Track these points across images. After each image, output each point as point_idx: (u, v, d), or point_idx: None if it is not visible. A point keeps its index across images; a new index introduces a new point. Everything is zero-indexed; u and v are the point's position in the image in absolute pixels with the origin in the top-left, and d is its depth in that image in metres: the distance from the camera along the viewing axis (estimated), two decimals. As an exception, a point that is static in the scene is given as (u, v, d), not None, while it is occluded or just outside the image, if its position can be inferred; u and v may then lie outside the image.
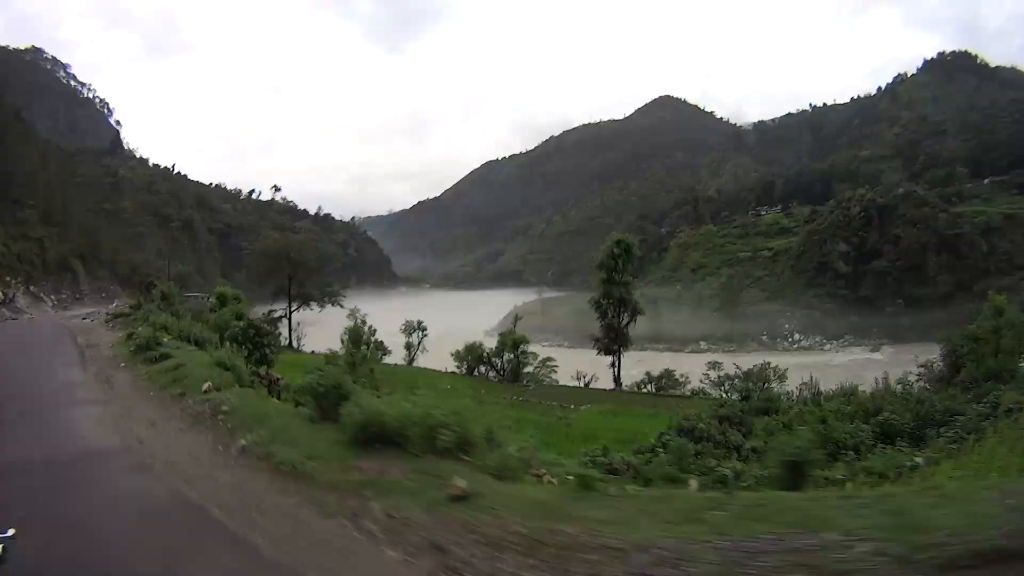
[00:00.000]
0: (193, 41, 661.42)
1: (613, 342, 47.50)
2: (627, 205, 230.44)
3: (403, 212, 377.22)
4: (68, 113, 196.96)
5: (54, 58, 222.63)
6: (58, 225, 76.55)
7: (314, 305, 61.18)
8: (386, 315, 55.39)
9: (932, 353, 27.88)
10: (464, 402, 7.39)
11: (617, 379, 46.72)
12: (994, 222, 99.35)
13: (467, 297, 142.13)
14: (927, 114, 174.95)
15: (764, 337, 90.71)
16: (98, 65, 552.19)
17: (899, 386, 22.41)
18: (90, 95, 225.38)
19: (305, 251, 63.25)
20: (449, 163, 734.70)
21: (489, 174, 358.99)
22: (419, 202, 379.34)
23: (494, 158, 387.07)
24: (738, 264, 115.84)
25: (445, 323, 66.58)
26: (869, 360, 65.79)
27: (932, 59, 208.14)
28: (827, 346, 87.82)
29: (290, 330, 58.45)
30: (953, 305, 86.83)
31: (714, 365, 40.20)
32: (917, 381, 24.62)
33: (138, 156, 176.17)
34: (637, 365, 53.19)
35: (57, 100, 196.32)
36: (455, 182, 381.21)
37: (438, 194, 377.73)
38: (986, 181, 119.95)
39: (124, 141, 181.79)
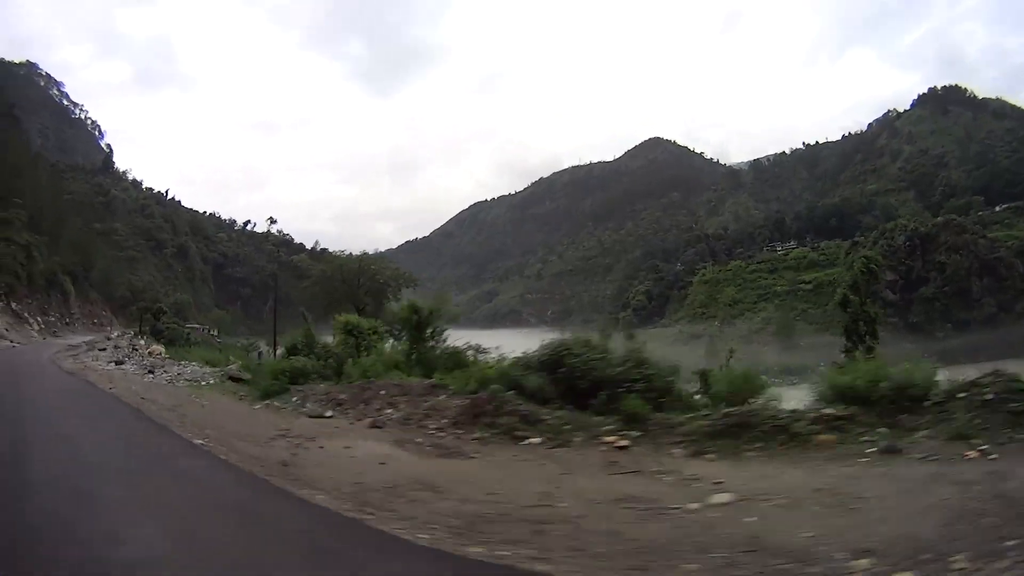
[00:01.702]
0: (185, 72, 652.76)
1: None
2: (625, 244, 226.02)
3: (389, 251, 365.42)
4: (59, 131, 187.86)
5: (48, 75, 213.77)
6: (48, 234, 65.34)
7: None
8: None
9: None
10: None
11: None
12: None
13: (474, 336, 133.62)
14: (927, 147, 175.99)
15: (823, 367, 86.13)
16: (90, 88, 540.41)
17: None
18: (82, 115, 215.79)
19: (382, 274, 49.40)
20: (435, 204, 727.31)
21: (478, 215, 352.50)
22: (406, 241, 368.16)
23: (482, 199, 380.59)
24: (776, 298, 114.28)
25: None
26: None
27: (924, 94, 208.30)
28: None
29: None
30: (997, 326, 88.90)
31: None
32: None
33: (131, 178, 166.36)
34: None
35: (49, 117, 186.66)
36: (443, 223, 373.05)
37: (426, 234, 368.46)
38: (997, 208, 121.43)
39: (115, 164, 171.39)
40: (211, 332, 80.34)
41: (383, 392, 12.61)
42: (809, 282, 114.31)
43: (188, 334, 61.73)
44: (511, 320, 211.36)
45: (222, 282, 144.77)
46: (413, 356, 17.41)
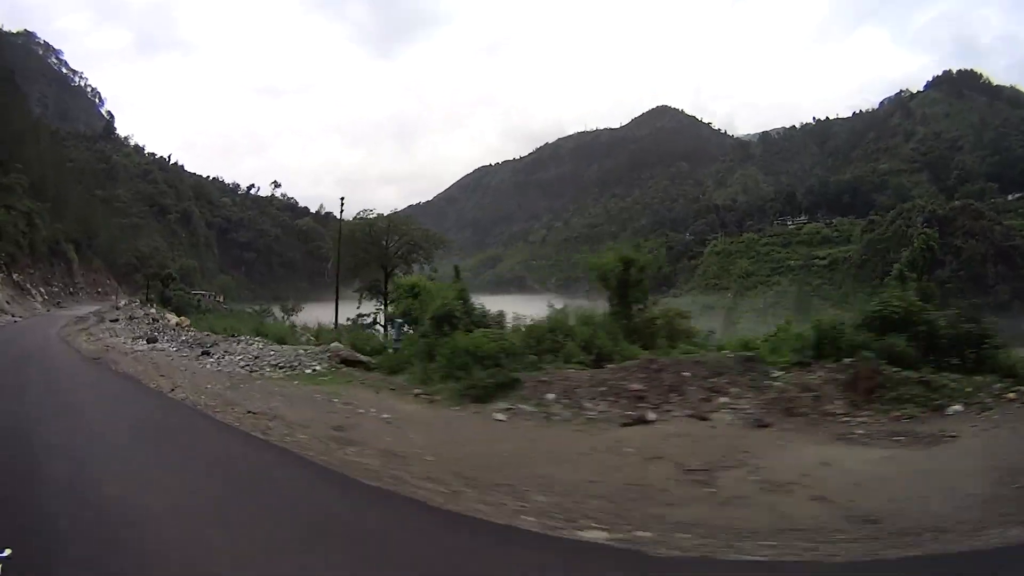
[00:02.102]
0: (186, 37, 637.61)
1: None
2: (632, 212, 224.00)
3: (393, 215, 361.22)
4: (59, 100, 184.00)
5: (46, 43, 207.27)
6: (50, 201, 62.84)
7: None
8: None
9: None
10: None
11: None
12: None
13: (484, 302, 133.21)
14: (941, 130, 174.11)
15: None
16: (90, 56, 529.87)
17: None
18: (81, 83, 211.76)
19: (412, 235, 45.76)
20: (439, 168, 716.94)
21: (482, 179, 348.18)
22: (410, 205, 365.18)
23: (486, 163, 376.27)
24: (790, 272, 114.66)
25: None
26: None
27: (939, 76, 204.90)
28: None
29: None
30: (1011, 313, 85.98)
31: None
32: None
33: (133, 144, 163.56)
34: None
35: (48, 86, 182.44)
36: (446, 187, 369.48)
37: (429, 198, 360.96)
38: (1010, 197, 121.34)
39: (116, 130, 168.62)
40: (217, 298, 79.04)
41: (686, 374, 9.58)
42: (824, 258, 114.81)
43: (198, 301, 60.18)
44: (515, 286, 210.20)
45: (226, 247, 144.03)
46: (623, 324, 13.84)
